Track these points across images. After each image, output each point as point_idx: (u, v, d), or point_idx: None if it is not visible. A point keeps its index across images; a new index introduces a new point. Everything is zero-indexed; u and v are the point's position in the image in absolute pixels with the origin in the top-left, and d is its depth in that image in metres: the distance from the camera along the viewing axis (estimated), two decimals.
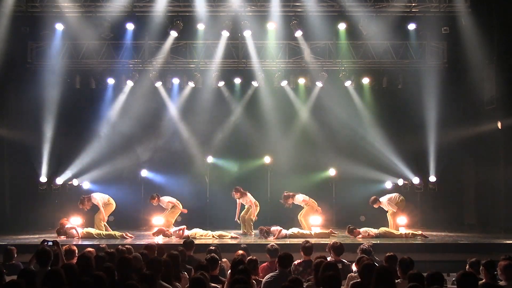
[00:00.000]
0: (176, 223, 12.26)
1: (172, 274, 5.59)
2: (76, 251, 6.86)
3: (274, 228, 11.00)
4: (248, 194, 12.03)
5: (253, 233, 11.77)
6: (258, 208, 12.04)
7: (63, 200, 13.71)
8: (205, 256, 6.41)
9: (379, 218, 12.72)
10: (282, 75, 14.22)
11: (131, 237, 11.02)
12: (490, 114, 13.22)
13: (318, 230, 11.47)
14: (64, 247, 6.64)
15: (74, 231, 11.04)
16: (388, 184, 13.91)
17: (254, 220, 11.93)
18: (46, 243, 6.35)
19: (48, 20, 13.11)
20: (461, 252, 9.46)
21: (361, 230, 11.15)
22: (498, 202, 12.90)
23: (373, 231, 11.10)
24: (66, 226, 11.13)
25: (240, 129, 14.47)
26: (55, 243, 6.41)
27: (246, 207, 12.09)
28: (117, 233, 11.15)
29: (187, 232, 11.01)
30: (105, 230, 11.44)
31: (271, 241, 9.96)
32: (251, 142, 14.34)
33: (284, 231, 10.97)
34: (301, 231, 11.23)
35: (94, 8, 13.08)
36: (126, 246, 7.29)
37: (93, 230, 11.23)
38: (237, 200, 12.12)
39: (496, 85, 12.98)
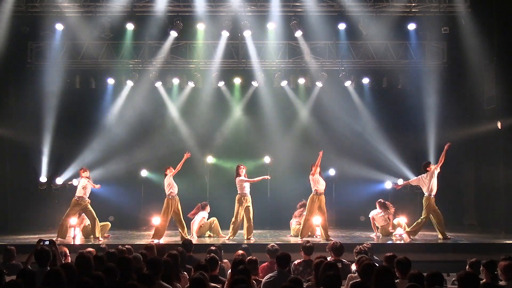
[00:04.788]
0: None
1: (172, 274, 5.59)
2: (67, 251, 6.88)
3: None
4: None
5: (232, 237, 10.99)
6: None
7: (63, 200, 13.68)
8: (205, 256, 6.41)
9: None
10: (282, 75, 14.22)
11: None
12: (490, 114, 13.20)
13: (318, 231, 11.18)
14: None
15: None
16: (388, 184, 13.89)
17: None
18: (42, 242, 6.30)
19: (48, 20, 13.09)
20: (461, 252, 9.47)
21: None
22: (498, 202, 12.87)
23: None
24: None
25: (240, 129, 14.46)
26: (52, 242, 6.36)
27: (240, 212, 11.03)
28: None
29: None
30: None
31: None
32: (251, 142, 14.32)
33: None
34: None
35: (94, 8, 13.08)
36: (126, 246, 7.30)
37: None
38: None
39: (496, 85, 12.95)
